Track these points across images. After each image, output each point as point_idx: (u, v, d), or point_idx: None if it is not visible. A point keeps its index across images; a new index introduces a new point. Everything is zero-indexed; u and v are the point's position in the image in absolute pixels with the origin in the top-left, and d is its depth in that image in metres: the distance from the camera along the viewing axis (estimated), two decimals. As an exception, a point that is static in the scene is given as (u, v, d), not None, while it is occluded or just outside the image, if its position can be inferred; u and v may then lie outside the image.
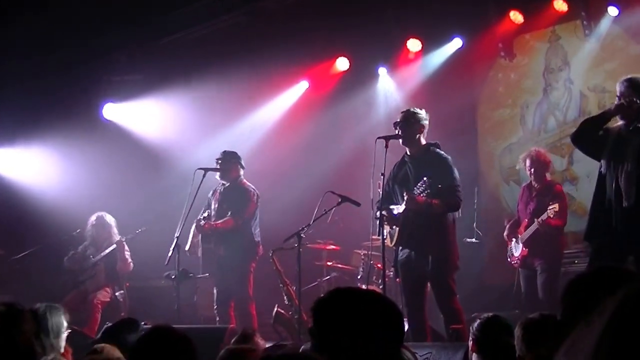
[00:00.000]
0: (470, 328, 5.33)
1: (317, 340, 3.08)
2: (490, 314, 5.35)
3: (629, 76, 7.50)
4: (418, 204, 8.20)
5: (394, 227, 8.58)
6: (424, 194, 8.15)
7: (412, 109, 8.71)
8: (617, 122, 7.50)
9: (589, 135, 7.56)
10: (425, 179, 8.13)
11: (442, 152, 8.67)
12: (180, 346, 4.17)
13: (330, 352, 2.97)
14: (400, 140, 8.60)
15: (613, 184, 7.30)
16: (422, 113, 8.65)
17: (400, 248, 8.63)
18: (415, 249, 8.49)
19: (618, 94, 7.40)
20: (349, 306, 3.09)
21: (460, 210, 8.85)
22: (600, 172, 7.53)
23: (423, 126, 8.61)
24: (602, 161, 7.51)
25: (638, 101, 7.22)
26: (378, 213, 8.49)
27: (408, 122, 8.57)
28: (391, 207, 8.56)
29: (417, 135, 8.59)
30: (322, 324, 3.08)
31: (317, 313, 3.11)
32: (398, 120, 8.66)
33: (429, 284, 8.63)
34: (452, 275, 8.50)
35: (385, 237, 8.57)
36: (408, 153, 8.72)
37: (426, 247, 8.38)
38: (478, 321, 5.25)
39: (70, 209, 12.33)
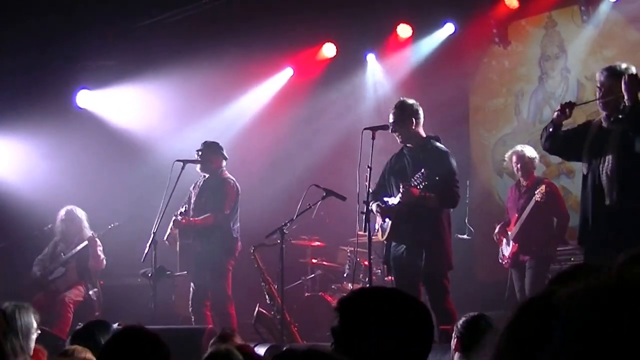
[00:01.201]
0: (455, 327, 5.23)
1: (341, 340, 2.95)
2: (476, 313, 5.25)
3: (608, 65, 7.54)
4: (413, 197, 8.06)
5: (386, 220, 8.46)
6: (420, 187, 8.02)
7: (405, 100, 8.59)
8: (599, 116, 7.51)
9: (552, 143, 7.58)
10: (422, 170, 8.01)
11: (442, 146, 8.59)
12: (151, 347, 4.02)
13: (355, 354, 2.87)
14: (399, 140, 8.53)
15: (595, 182, 7.25)
16: (416, 104, 8.53)
17: (393, 243, 8.48)
18: (407, 244, 8.33)
19: (598, 84, 7.33)
20: (380, 306, 2.97)
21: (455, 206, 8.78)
22: (582, 173, 7.52)
23: (419, 118, 8.49)
24: (583, 160, 7.47)
25: (623, 92, 7.11)
26: (365, 208, 8.37)
27: (402, 115, 8.46)
28: (385, 199, 8.45)
29: (414, 128, 8.46)
30: (349, 324, 2.96)
31: (344, 311, 2.99)
32: (391, 122, 8.51)
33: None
34: (446, 274, 8.38)
35: (376, 230, 8.61)
36: (406, 145, 8.59)
37: (419, 242, 8.23)
38: (463, 319, 5.17)
39: (42, 202, 12.04)
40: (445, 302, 8.18)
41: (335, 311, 3.02)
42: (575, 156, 7.78)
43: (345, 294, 3.20)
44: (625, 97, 6.97)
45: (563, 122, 7.47)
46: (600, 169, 7.15)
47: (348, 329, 2.95)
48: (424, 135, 8.53)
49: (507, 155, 10.34)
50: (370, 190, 8.52)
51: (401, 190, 8.06)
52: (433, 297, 8.16)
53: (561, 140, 7.47)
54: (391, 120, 8.45)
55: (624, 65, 7.23)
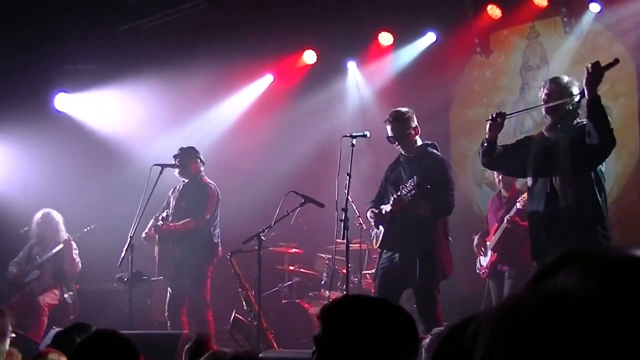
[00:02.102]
0: (430, 336, 5.01)
1: (324, 349, 2.94)
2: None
3: (555, 76, 7.52)
4: (403, 204, 7.98)
5: (380, 227, 8.38)
6: (410, 194, 7.93)
7: (401, 109, 8.43)
8: (541, 127, 7.52)
9: (489, 159, 7.51)
10: (414, 178, 7.92)
11: (439, 153, 8.50)
12: (122, 352, 3.93)
13: None
14: (395, 142, 8.38)
15: (547, 189, 7.16)
16: (410, 111, 8.42)
17: (385, 251, 8.39)
18: (400, 253, 8.23)
19: (546, 90, 7.24)
20: (364, 315, 2.94)
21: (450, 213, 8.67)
22: (528, 187, 7.47)
23: (416, 126, 8.38)
24: (528, 174, 7.42)
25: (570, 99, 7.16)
26: (343, 215, 8.31)
27: (400, 123, 8.32)
28: (381, 206, 8.37)
29: (412, 136, 8.35)
30: (332, 333, 2.93)
31: (327, 320, 2.96)
32: (389, 120, 8.35)
33: (407, 292, 8.51)
34: (437, 284, 8.24)
35: (372, 237, 8.60)
36: (403, 153, 8.47)
37: (412, 251, 8.12)
38: (428, 339, 4.91)
39: (18, 205, 11.97)
40: (435, 312, 8.07)
41: (319, 320, 2.98)
42: (519, 172, 7.74)
43: (328, 302, 3.12)
44: (586, 91, 6.82)
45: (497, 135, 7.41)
46: (553, 175, 7.11)
47: (331, 337, 2.92)
48: (420, 142, 8.43)
49: None
50: (348, 199, 8.48)
51: (392, 199, 8.00)
52: (422, 307, 8.09)
53: (500, 156, 7.42)
54: (391, 133, 8.29)
55: (567, 79, 7.26)
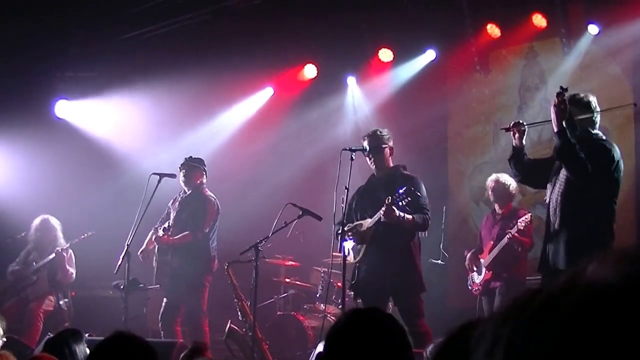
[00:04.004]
0: (424, 353, 5.00)
1: None
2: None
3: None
4: (394, 214, 8.03)
5: (361, 244, 8.45)
6: (404, 203, 8.08)
7: (378, 131, 8.69)
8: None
9: (516, 166, 7.59)
10: (404, 188, 8.07)
11: (409, 173, 8.68)
12: (142, 355, 3.95)
13: None
14: (373, 166, 8.61)
15: (549, 210, 7.30)
16: (389, 134, 8.66)
17: (363, 266, 8.47)
18: (379, 266, 8.32)
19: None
20: (367, 336, 2.97)
21: (426, 230, 8.77)
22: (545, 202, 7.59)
23: (391, 148, 8.63)
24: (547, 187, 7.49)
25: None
26: (340, 228, 8.43)
27: (375, 138, 8.56)
28: (362, 221, 8.45)
29: (386, 153, 8.59)
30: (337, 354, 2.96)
31: (333, 340, 3.01)
32: (367, 148, 8.56)
33: (390, 304, 8.52)
34: (419, 296, 8.38)
35: (347, 253, 8.52)
36: (375, 174, 8.69)
37: (393, 264, 8.25)
38: (431, 346, 4.82)
39: (17, 210, 12.02)
40: (421, 324, 8.16)
41: (326, 340, 3.02)
42: (540, 184, 7.78)
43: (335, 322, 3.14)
44: (553, 122, 6.93)
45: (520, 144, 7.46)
46: (554, 196, 7.17)
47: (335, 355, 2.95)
48: (392, 164, 8.63)
49: (487, 183, 10.27)
50: (345, 213, 8.57)
51: (384, 208, 8.02)
52: (408, 320, 8.05)
53: (527, 167, 7.51)
54: (367, 147, 8.49)
55: (582, 94, 7.24)
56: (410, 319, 8.07)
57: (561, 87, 6.92)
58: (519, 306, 1.07)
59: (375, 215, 8.21)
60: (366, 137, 8.62)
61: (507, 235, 9.66)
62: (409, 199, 8.02)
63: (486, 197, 11.45)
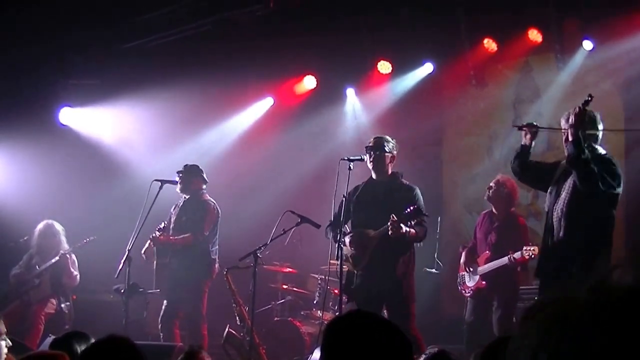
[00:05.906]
0: (423, 356, 5.11)
1: None
2: (436, 348, 5.17)
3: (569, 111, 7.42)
4: (400, 233, 8.16)
5: (360, 252, 8.52)
6: (412, 222, 8.26)
7: (385, 137, 8.75)
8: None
9: (520, 164, 7.61)
10: (412, 209, 8.20)
11: (409, 183, 8.78)
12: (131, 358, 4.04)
13: None
14: (371, 165, 8.64)
15: (550, 220, 7.35)
16: (395, 145, 8.75)
17: (359, 272, 8.56)
18: (377, 274, 8.43)
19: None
20: (363, 337, 2.98)
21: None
22: (545, 210, 7.63)
23: (394, 156, 8.71)
24: (547, 195, 7.54)
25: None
26: (338, 236, 8.46)
27: (381, 150, 8.62)
28: (365, 230, 8.52)
29: (387, 158, 8.66)
30: (335, 349, 2.97)
31: (330, 336, 3.03)
32: (371, 145, 8.67)
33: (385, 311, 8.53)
34: (413, 302, 8.51)
35: (345, 259, 8.51)
36: (374, 177, 8.75)
37: (390, 273, 8.36)
38: (423, 356, 5.03)
39: (21, 214, 12.04)
40: (412, 329, 8.23)
41: (324, 335, 3.07)
42: (539, 185, 7.89)
43: (333, 318, 3.19)
44: (569, 131, 7.00)
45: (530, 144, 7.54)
46: (556, 205, 7.22)
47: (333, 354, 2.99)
48: (390, 170, 8.73)
49: (492, 182, 10.13)
50: (343, 221, 8.60)
51: (390, 224, 8.10)
52: (400, 325, 8.18)
53: (529, 166, 7.57)
54: (372, 147, 8.60)
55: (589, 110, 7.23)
56: (404, 323, 8.02)
57: (589, 95, 6.97)
58: (559, 317, 1.14)
59: (382, 229, 8.26)
60: (374, 139, 8.74)
61: (509, 258, 9.50)
62: (416, 220, 8.22)
63: (480, 208, 11.53)
